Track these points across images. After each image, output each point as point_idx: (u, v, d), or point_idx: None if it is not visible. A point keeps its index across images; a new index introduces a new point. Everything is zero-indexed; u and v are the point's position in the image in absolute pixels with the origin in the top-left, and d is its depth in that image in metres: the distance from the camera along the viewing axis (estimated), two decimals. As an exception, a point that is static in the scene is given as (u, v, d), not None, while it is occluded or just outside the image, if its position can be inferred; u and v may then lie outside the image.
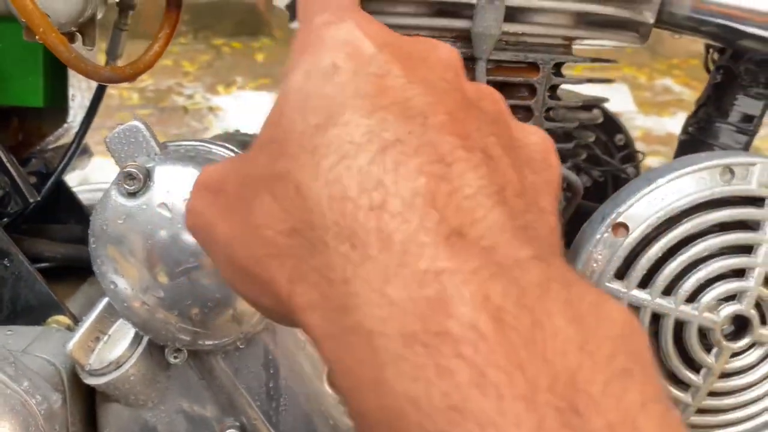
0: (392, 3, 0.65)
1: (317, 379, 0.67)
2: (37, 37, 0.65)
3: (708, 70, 0.94)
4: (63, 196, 0.96)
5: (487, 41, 0.63)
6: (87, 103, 0.98)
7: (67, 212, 0.96)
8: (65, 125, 0.97)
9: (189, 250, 0.59)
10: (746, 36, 0.75)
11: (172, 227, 0.58)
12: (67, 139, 1.03)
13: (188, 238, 0.59)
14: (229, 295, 0.60)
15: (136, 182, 0.58)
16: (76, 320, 0.80)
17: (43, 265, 0.87)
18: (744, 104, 0.87)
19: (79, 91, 0.99)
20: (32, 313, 0.77)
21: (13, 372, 0.61)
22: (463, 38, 0.66)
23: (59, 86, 0.95)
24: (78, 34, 0.74)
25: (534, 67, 0.67)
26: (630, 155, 1.07)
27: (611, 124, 1.09)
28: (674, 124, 3.91)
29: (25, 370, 0.63)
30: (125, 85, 3.52)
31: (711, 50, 0.93)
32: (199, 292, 0.60)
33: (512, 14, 0.64)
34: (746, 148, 0.88)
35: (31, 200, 0.83)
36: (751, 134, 0.87)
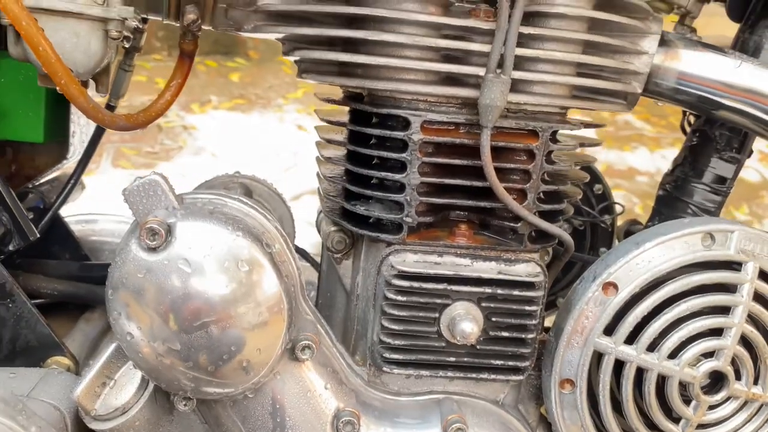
0: (404, 71, 0.69)
1: (322, 428, 0.69)
2: (58, 88, 0.66)
3: (684, 132, 1.00)
4: (58, 231, 0.97)
5: (492, 112, 0.67)
6: (86, 138, 0.99)
7: (61, 246, 0.97)
8: (64, 161, 0.97)
9: (208, 305, 0.61)
10: (723, 107, 0.81)
11: (192, 282, 0.60)
12: (60, 171, 1.03)
13: (207, 292, 0.61)
14: (242, 346, 0.63)
15: (158, 238, 0.60)
16: (76, 360, 0.80)
17: (38, 301, 0.88)
18: (718, 167, 0.93)
19: (79, 128, 1.00)
20: (32, 354, 0.78)
21: (24, 420, 0.62)
22: (469, 105, 0.70)
23: (60, 122, 0.96)
24: (92, 80, 0.76)
25: (533, 134, 0.71)
26: (608, 207, 1.12)
27: (590, 174, 1.14)
28: (635, 158, 4.04)
29: (32, 417, 0.64)
30: (99, 100, 3.47)
31: (687, 113, 1.00)
32: (214, 345, 0.62)
33: (515, 85, 0.68)
34: (719, 207, 0.94)
35: (31, 238, 0.84)
36: (724, 195, 0.93)
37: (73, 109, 0.95)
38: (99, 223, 1.12)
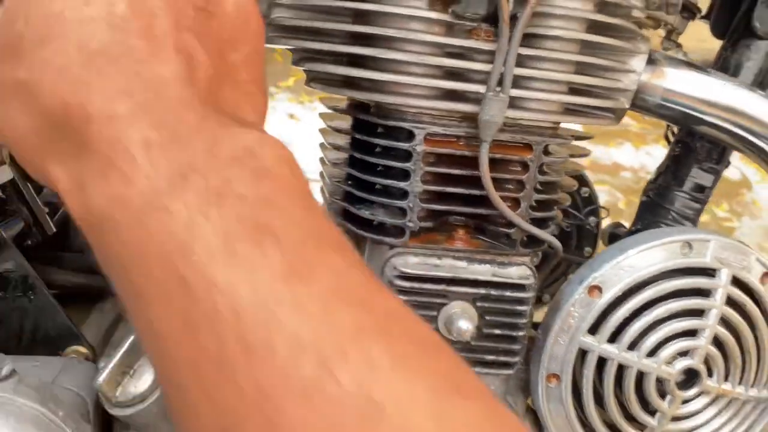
0: (409, 86, 0.74)
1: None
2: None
3: (668, 141, 1.06)
4: (73, 224, 1.00)
5: (491, 128, 0.72)
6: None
7: (73, 239, 1.01)
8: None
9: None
10: (704, 123, 0.87)
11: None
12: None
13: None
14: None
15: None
16: (93, 349, 0.85)
17: (53, 292, 0.92)
18: (698, 176, 0.99)
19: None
20: (51, 344, 0.82)
21: (54, 406, 0.67)
22: (469, 119, 0.75)
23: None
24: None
25: (528, 147, 0.77)
26: (594, 210, 1.18)
27: (577, 178, 1.20)
28: (620, 154, 4.11)
29: (60, 403, 0.69)
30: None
31: (670, 125, 1.05)
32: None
33: (512, 102, 0.73)
34: (698, 214, 1.00)
35: (49, 233, 0.88)
36: (703, 203, 1.00)
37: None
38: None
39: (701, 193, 0.99)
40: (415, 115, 0.75)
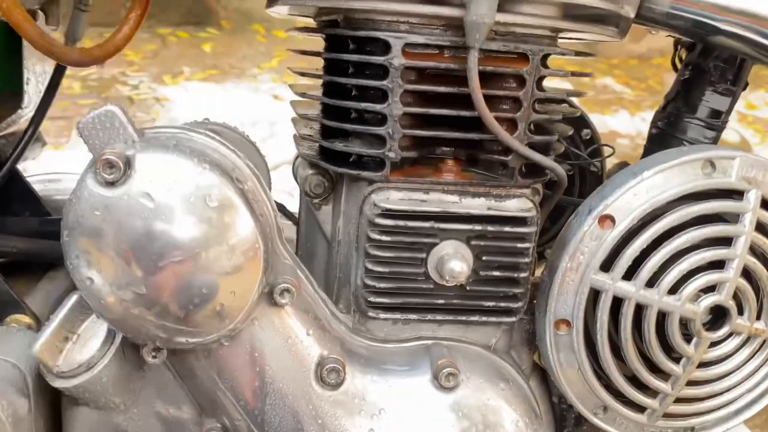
0: (382, -12, 0.63)
1: (305, 377, 0.65)
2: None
3: (675, 68, 0.96)
4: (17, 186, 0.90)
5: (480, 30, 0.61)
6: (42, 88, 0.92)
7: (21, 203, 0.90)
8: (19, 111, 0.91)
9: (174, 243, 0.55)
10: (719, 32, 0.77)
11: (155, 219, 0.55)
12: (18, 126, 0.96)
13: (173, 230, 0.55)
14: (215, 289, 0.58)
15: (116, 171, 0.55)
16: (37, 318, 0.75)
17: (-3, 260, 0.82)
18: (712, 100, 0.89)
19: (34, 75, 0.93)
20: (-11, 312, 0.72)
21: (-23, 376, 0.56)
22: (453, 27, 0.65)
23: (12, 69, 0.89)
24: (40, 12, 0.69)
25: (523, 58, 0.66)
26: (596, 150, 1.08)
27: (578, 119, 1.10)
28: (616, 122, 4.02)
29: (-12, 374, 0.59)
30: (67, 72, 3.34)
31: (679, 47, 0.95)
32: (183, 288, 0.56)
33: (503, 4, 0.63)
34: (714, 143, 0.90)
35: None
36: (719, 129, 0.89)
37: (27, 55, 0.88)
38: (63, 183, 1.05)
39: (717, 119, 0.89)
40: (391, 23, 0.65)
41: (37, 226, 0.87)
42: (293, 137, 0.80)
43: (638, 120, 4.00)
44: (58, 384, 0.63)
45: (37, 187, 0.98)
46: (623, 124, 3.95)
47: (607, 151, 1.06)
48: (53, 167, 1.10)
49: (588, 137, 1.11)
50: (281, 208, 0.99)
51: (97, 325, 0.65)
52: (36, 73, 0.93)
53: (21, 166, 0.99)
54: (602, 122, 4.12)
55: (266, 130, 3.17)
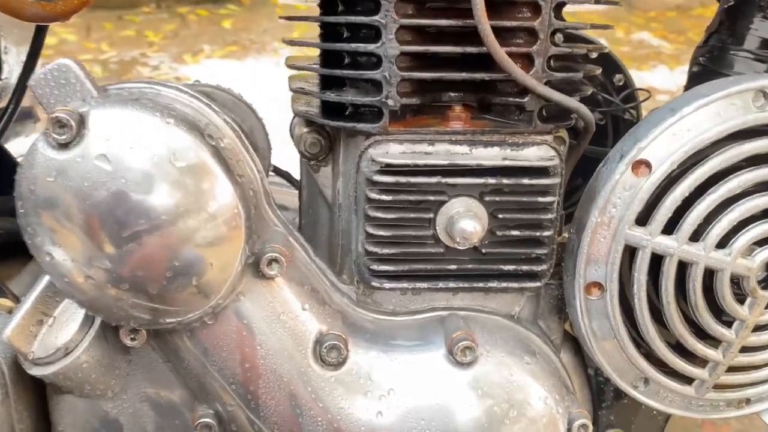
0: None
1: (302, 355, 0.58)
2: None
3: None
4: (4, 164, 0.85)
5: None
6: (24, 58, 0.86)
7: (7, 180, 0.85)
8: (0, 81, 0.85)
9: (137, 210, 0.49)
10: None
11: (115, 183, 0.48)
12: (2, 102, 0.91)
13: (136, 195, 0.49)
14: (189, 261, 0.51)
15: (68, 130, 0.48)
16: (20, 302, 0.70)
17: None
18: (762, 28, 0.78)
19: (15, 45, 0.87)
20: (-33, 297, 0.67)
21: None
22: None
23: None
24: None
25: (534, 9, 0.57)
26: (630, 96, 0.98)
27: (610, 63, 0.99)
28: (653, 78, 3.83)
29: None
30: (87, 57, 3.32)
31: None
32: (152, 261, 0.50)
33: None
34: (765, 77, 0.79)
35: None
36: (771, 62, 0.79)
37: (3, 22, 0.82)
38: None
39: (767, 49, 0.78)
40: (380, -52, 0.56)
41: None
42: (289, 91, 0.73)
43: (678, 74, 3.81)
44: (34, 372, 0.58)
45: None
46: (663, 80, 3.76)
47: (642, 95, 0.96)
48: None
49: (621, 83, 1.01)
50: (286, 176, 0.92)
51: (74, 307, 0.59)
52: (18, 41, 0.87)
53: (13, 143, 0.94)
54: (640, 79, 3.93)
55: (288, 104, 3.11)
